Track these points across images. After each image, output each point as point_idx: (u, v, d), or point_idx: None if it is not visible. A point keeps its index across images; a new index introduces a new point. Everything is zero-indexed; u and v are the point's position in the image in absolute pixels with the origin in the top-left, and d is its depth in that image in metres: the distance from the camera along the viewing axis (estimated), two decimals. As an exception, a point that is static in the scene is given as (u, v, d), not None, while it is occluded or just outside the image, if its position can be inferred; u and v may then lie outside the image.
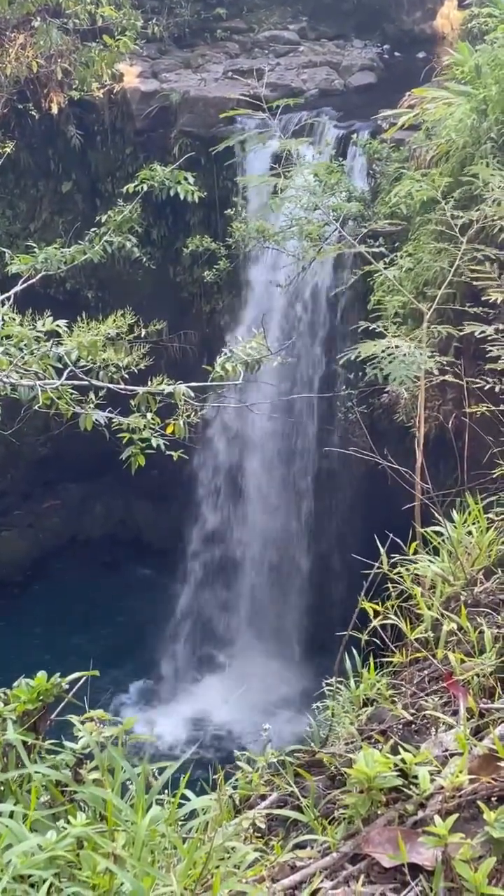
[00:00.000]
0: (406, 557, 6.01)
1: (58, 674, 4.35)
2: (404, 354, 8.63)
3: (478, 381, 8.57)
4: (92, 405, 8.57)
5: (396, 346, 8.76)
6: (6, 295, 9.26)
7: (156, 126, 22.66)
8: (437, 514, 6.50)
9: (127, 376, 9.00)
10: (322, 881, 3.60)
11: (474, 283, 9.63)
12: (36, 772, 3.92)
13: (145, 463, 8.41)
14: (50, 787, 3.91)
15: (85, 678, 4.55)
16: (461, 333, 9.50)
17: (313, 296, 20.14)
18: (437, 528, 6.35)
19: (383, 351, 8.78)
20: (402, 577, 5.73)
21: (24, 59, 20.36)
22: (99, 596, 24.85)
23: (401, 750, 3.95)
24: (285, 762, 4.69)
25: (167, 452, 8.44)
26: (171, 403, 8.63)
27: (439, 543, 6.22)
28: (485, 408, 8.37)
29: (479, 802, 3.58)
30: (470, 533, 6.22)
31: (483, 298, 9.71)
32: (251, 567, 22.92)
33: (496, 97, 13.80)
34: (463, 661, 4.75)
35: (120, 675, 21.75)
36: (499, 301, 9.21)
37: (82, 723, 4.23)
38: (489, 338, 8.58)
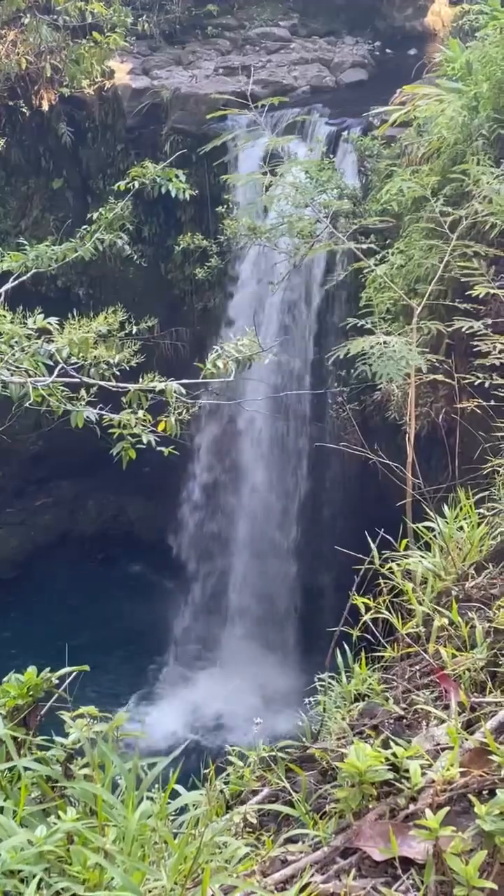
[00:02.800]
0: (398, 553, 6.01)
1: (48, 668, 4.34)
2: (394, 351, 8.63)
3: (468, 376, 8.58)
4: (83, 402, 8.55)
5: (385, 343, 8.75)
6: (-3, 292, 9.24)
7: (147, 123, 22.64)
8: (428, 510, 6.51)
9: (118, 373, 8.98)
10: (313, 875, 3.60)
11: (464, 279, 9.64)
12: (26, 768, 3.91)
13: (137, 459, 8.40)
14: (40, 783, 3.90)
15: (76, 673, 4.54)
16: (451, 329, 9.51)
17: (305, 292, 20.13)
18: (428, 524, 6.35)
19: (372, 347, 8.77)
20: (393, 572, 5.73)
21: (14, 56, 20.34)
22: (91, 592, 24.85)
23: (392, 744, 3.95)
24: (277, 757, 4.70)
25: (158, 448, 8.43)
26: (163, 400, 8.61)
27: (431, 539, 6.22)
28: (475, 403, 8.38)
29: (470, 796, 3.58)
30: (461, 528, 6.23)
31: (467, 293, 9.72)
32: (244, 563, 22.92)
33: (487, 94, 13.80)
34: (454, 656, 4.75)
35: (112, 670, 21.72)
36: (481, 295, 9.23)
37: (73, 719, 4.23)
38: (478, 333, 8.60)
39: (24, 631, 22.89)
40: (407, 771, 3.79)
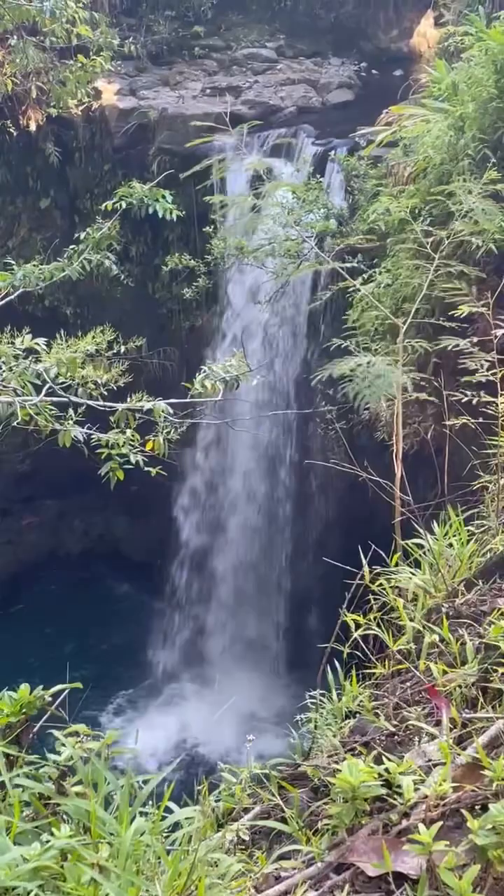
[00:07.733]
0: (388, 569, 6.02)
1: (40, 686, 4.33)
2: (377, 376, 8.64)
3: (456, 394, 8.60)
4: (71, 422, 8.55)
5: (370, 363, 8.77)
6: (-15, 311, 9.25)
7: (134, 143, 22.74)
8: (417, 527, 6.53)
9: (106, 393, 8.99)
10: (306, 891, 3.59)
11: (450, 298, 9.70)
12: (19, 785, 3.90)
13: (125, 478, 8.40)
14: (33, 800, 3.89)
15: (67, 691, 4.54)
16: (437, 348, 9.56)
17: (292, 312, 20.18)
18: (418, 541, 6.37)
19: (353, 370, 8.78)
20: (384, 589, 5.74)
21: (0, 77, 20.39)
22: (77, 611, 24.79)
23: (384, 760, 3.95)
24: (269, 775, 4.69)
25: (146, 468, 8.43)
26: (151, 420, 8.61)
27: (420, 556, 6.24)
28: (463, 420, 8.40)
29: (462, 811, 3.59)
30: (451, 545, 6.25)
31: (452, 312, 9.76)
32: (232, 581, 22.89)
33: (473, 114, 13.89)
34: (445, 673, 4.76)
35: (100, 689, 21.64)
36: (463, 314, 9.28)
37: (66, 736, 4.22)
38: (465, 351, 8.64)
39: (9, 649, 22.78)
40: (399, 786, 3.79)
